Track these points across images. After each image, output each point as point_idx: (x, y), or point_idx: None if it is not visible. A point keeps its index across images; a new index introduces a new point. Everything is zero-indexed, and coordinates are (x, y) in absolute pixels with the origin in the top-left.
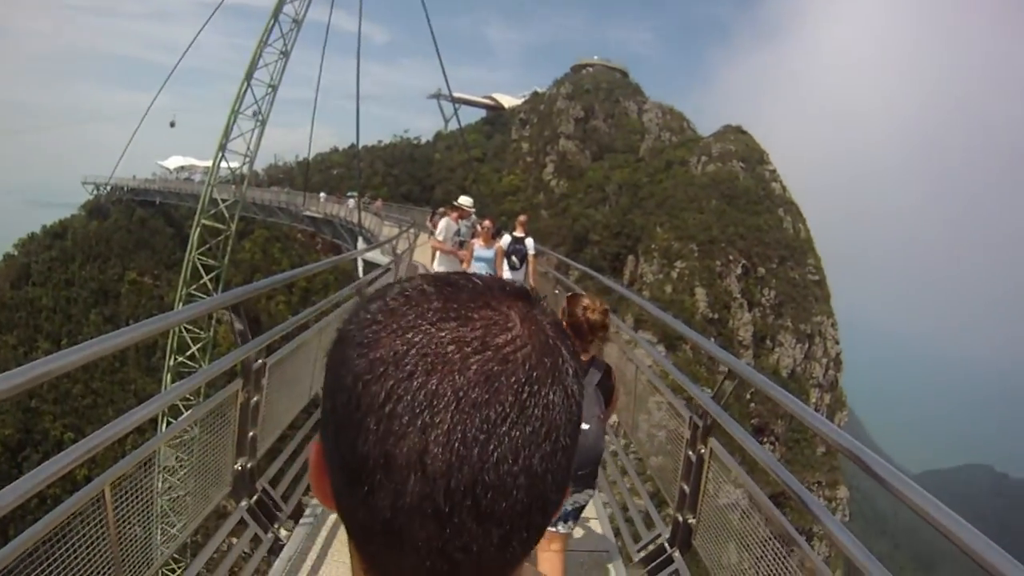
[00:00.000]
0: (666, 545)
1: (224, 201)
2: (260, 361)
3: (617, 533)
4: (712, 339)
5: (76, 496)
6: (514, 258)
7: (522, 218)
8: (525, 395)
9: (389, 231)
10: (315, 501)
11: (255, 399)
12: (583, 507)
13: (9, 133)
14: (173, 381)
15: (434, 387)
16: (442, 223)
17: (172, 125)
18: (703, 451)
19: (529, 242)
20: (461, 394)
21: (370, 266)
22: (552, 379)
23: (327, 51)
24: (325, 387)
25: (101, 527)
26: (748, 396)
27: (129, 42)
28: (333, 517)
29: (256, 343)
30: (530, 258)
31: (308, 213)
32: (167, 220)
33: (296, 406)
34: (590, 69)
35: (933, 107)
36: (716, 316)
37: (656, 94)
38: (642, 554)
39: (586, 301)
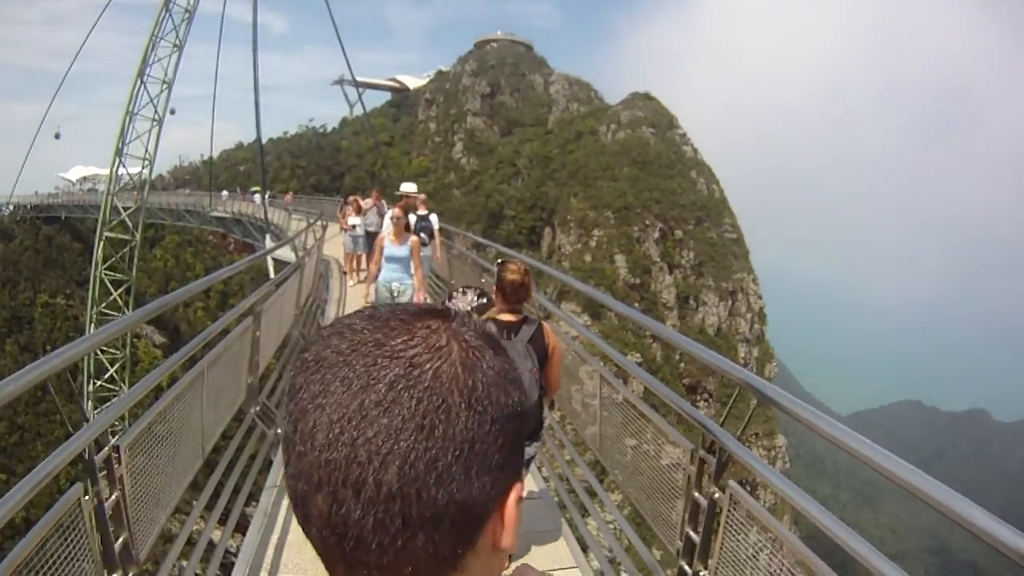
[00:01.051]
0: None
1: (127, 209)
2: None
3: None
4: (635, 305)
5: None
6: (423, 235)
7: (422, 196)
8: (400, 386)
9: (297, 225)
10: None
11: (113, 496)
12: (531, 458)
13: None
14: (95, 408)
15: (330, 377)
16: (385, 222)
17: (57, 137)
18: (717, 496)
19: (433, 218)
20: (347, 382)
21: (281, 264)
22: (441, 379)
23: (228, 44)
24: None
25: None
26: (677, 356)
27: (22, 51)
28: None
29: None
30: (436, 233)
31: (216, 214)
32: (74, 235)
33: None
34: (494, 45)
35: (844, 60)
36: (638, 281)
37: (562, 66)
38: None
39: (512, 265)
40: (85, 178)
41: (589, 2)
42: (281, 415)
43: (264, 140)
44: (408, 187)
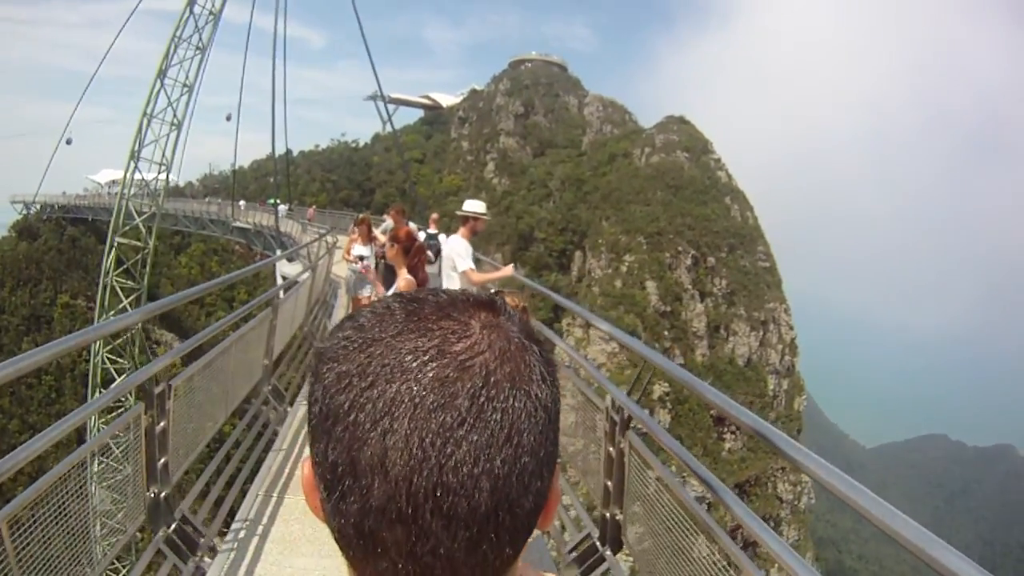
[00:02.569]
0: (597, 544)
1: (141, 215)
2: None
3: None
4: (665, 333)
5: None
6: (430, 253)
7: (435, 216)
8: (482, 399)
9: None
10: (236, 527)
11: (161, 424)
12: None
13: None
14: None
15: (392, 394)
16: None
17: (68, 143)
18: (623, 446)
19: (442, 237)
20: (418, 400)
21: (291, 282)
22: (512, 383)
23: (265, 57)
24: (307, 402)
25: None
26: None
27: (65, 53)
28: (256, 541)
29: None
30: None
31: (238, 224)
32: (99, 238)
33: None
34: (528, 64)
35: (884, 90)
36: (669, 309)
37: (596, 87)
38: (574, 555)
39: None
40: (114, 181)
41: (625, 24)
42: (309, 428)
43: (295, 153)
44: (474, 206)
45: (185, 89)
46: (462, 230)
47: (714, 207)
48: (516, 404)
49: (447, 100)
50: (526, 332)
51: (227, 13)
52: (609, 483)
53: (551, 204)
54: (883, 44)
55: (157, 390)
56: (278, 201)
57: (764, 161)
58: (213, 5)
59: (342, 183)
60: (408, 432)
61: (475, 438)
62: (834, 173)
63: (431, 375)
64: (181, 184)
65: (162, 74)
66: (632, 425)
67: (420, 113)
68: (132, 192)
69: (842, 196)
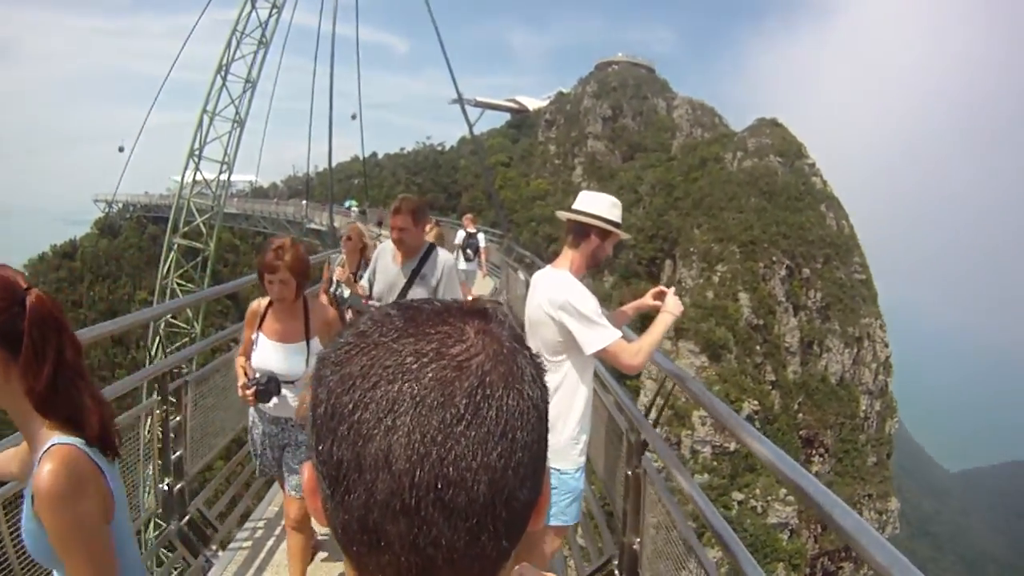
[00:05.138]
0: (615, 572)
1: (204, 212)
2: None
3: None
4: (757, 347)
5: None
6: (468, 251)
7: (469, 216)
8: (479, 398)
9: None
10: (249, 526)
11: (176, 418)
12: None
13: (35, 152)
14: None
15: (395, 394)
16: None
17: (121, 150)
18: (639, 471)
19: (480, 236)
20: (419, 399)
21: None
22: (506, 383)
23: (352, 63)
24: (309, 406)
25: None
26: (796, 406)
27: (149, 61)
28: (271, 543)
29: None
30: (481, 250)
31: (312, 226)
32: (184, 235)
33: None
34: (615, 67)
35: (994, 91)
36: (761, 322)
37: (682, 90)
38: None
39: None
40: (196, 181)
41: (712, 24)
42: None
43: (380, 155)
44: (601, 204)
45: (248, 85)
46: (573, 255)
47: (809, 215)
48: (510, 402)
49: (533, 104)
50: (516, 337)
51: (310, 22)
52: (627, 507)
53: (640, 210)
54: (997, 35)
55: (173, 385)
56: (354, 203)
57: (859, 164)
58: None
59: (427, 186)
60: (410, 429)
61: (473, 434)
62: (934, 175)
63: (431, 375)
64: (265, 185)
65: (222, 69)
66: (649, 448)
67: (507, 117)
68: (195, 192)
69: (942, 201)
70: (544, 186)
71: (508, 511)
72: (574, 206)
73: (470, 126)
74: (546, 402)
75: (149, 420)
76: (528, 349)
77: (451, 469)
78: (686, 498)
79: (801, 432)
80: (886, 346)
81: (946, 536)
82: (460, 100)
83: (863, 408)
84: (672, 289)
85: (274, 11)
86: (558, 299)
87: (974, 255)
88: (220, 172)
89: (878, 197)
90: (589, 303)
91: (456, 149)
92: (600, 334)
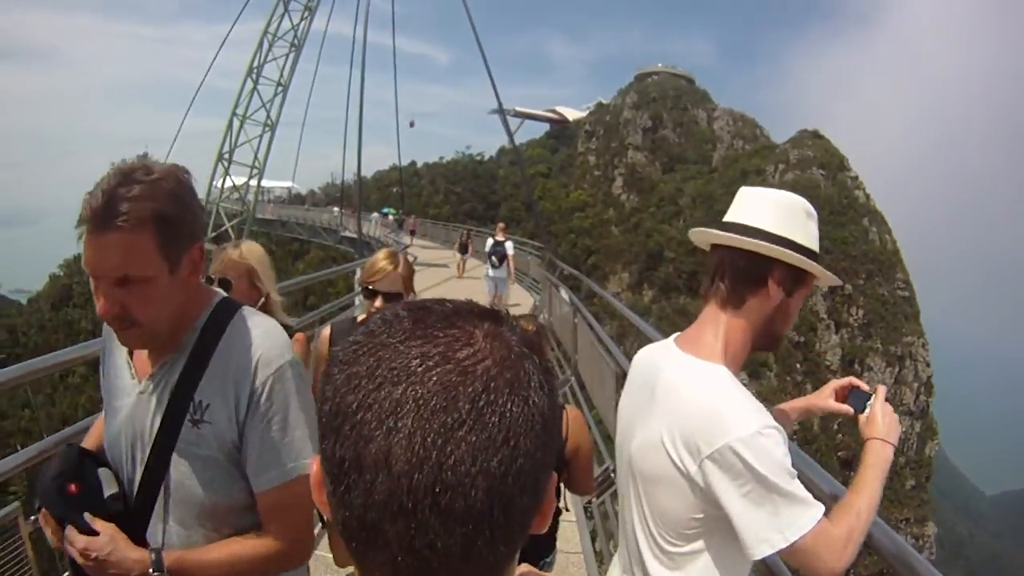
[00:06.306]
0: None
1: (235, 216)
2: None
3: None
4: (798, 365)
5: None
6: (494, 258)
7: (501, 224)
8: (482, 403)
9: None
10: None
11: None
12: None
13: (73, 154)
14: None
15: (398, 396)
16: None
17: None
18: None
19: (508, 244)
20: (422, 402)
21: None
22: (511, 390)
23: (390, 73)
24: (318, 401)
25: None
26: (835, 427)
27: (191, 68)
28: None
29: None
30: (509, 257)
31: (346, 234)
32: (213, 240)
33: None
34: (655, 77)
35: None
36: (802, 339)
37: (724, 101)
38: None
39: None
40: (235, 186)
41: (752, 34)
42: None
43: (419, 164)
44: (795, 225)
45: (280, 88)
46: (729, 324)
47: (852, 229)
48: (514, 409)
49: (573, 114)
50: (526, 342)
51: (347, 31)
52: None
53: (681, 223)
54: None
55: None
56: (392, 211)
57: (902, 177)
58: (308, 0)
59: (466, 195)
60: (411, 431)
61: (474, 439)
62: (979, 192)
63: (435, 379)
64: (303, 192)
65: (253, 71)
66: None
67: (546, 127)
68: (224, 196)
69: (987, 216)
70: (583, 197)
71: (506, 518)
72: (732, 216)
73: (511, 136)
74: (554, 410)
75: None
76: (539, 355)
77: (450, 474)
78: None
79: (840, 453)
80: (928, 365)
81: (980, 560)
82: (501, 110)
83: (904, 430)
84: (882, 389)
85: (306, 14)
86: (710, 440)
87: (1015, 273)
88: (250, 176)
89: (921, 210)
90: (776, 455)
91: (495, 159)
92: (787, 518)
